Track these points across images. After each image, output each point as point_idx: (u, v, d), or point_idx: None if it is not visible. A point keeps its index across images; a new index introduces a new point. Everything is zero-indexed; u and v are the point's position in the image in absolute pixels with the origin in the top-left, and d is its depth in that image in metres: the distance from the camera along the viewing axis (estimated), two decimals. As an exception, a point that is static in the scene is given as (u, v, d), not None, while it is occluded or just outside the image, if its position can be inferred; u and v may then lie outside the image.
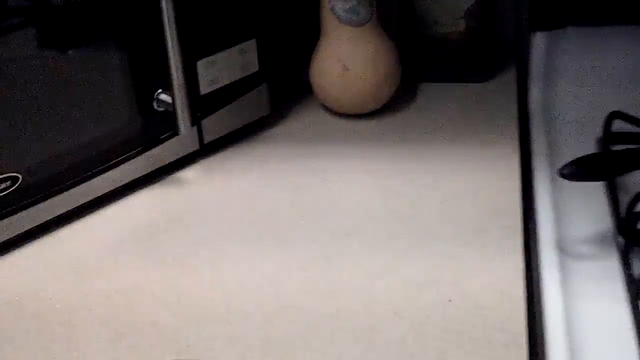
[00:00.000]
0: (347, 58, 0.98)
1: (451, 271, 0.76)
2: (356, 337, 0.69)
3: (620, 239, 0.82)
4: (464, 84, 1.07)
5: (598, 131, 0.96)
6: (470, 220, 0.83)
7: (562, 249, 0.81)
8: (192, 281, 0.76)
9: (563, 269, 0.78)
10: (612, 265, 0.79)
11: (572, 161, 0.80)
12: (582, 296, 0.75)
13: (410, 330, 0.69)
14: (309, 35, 1.03)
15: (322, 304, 0.73)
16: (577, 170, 0.79)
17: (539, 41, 1.06)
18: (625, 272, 0.77)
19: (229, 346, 0.69)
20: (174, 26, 0.81)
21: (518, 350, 0.66)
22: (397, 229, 0.82)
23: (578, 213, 0.86)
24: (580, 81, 1.04)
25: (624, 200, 0.85)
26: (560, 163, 0.82)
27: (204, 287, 0.76)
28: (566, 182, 0.85)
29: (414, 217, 0.84)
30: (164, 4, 0.81)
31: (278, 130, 1.01)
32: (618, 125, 0.96)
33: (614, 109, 0.96)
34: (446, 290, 0.74)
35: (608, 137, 0.97)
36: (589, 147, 0.95)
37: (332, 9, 0.97)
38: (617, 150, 0.91)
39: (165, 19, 0.81)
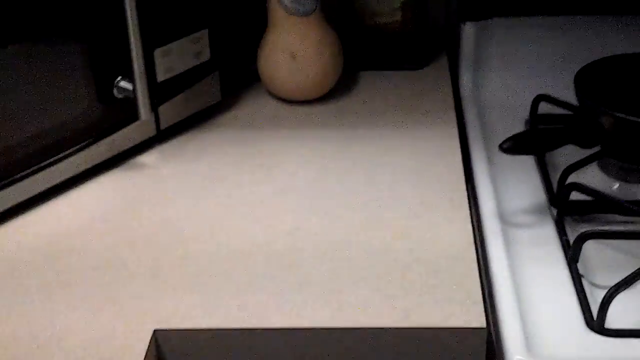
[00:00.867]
0: (294, 47, 1.02)
1: (408, 240, 0.82)
2: (326, 300, 0.74)
3: (554, 210, 0.89)
4: (401, 72, 1.13)
5: (526, 113, 1.03)
6: (420, 195, 0.89)
7: (503, 219, 0.87)
8: (163, 258, 0.80)
9: (505, 237, 0.84)
10: (548, 232, 0.86)
11: (510, 137, 0.86)
12: (524, 259, 0.82)
13: (375, 293, 0.75)
14: (256, 26, 1.07)
15: (289, 274, 0.77)
16: (515, 145, 0.86)
17: (467, 31, 1.11)
18: (560, 238, 0.84)
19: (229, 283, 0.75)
20: (135, 15, 0.84)
21: (475, 306, 0.73)
22: (352, 204, 0.88)
23: (514, 187, 0.92)
24: (507, 67, 1.11)
25: (553, 174, 0.93)
26: (494, 143, 0.89)
27: (175, 263, 0.79)
28: (501, 160, 0.93)
29: (366, 193, 0.89)
30: (126, -5, 0.84)
31: (229, 116, 1.04)
32: (543, 108, 1.03)
33: (539, 93, 1.03)
34: (405, 257, 0.79)
35: (535, 118, 1.04)
36: (518, 129, 1.01)
37: (280, 1, 1.01)
38: (547, 128, 0.99)
39: (127, 8, 0.84)
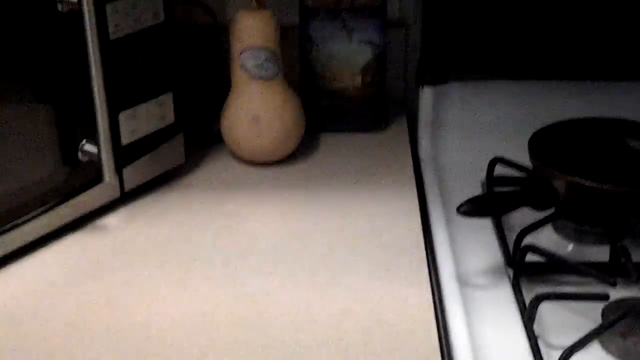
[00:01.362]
0: (256, 110, 1.04)
1: (368, 304, 0.83)
2: (288, 363, 0.75)
3: (510, 271, 0.91)
4: (362, 134, 1.15)
5: (483, 175, 1.06)
6: (380, 257, 0.90)
7: (462, 281, 0.89)
8: (126, 321, 0.80)
9: (464, 299, 0.86)
10: (505, 294, 0.88)
11: (467, 200, 0.89)
12: (483, 321, 0.84)
13: (336, 357, 0.75)
14: (220, 89, 1.09)
15: (251, 337, 0.78)
16: (472, 208, 0.88)
17: (425, 95, 1.14)
18: (517, 299, 0.86)
19: (192, 346, 0.74)
20: (100, 79, 0.86)
21: (434, 369, 0.74)
22: (313, 266, 0.89)
23: (472, 249, 0.95)
24: (465, 131, 1.14)
25: (511, 235, 0.95)
26: (452, 205, 0.91)
27: (137, 327, 0.79)
28: (459, 221, 0.95)
29: (328, 255, 0.91)
30: (92, 60, 0.85)
31: (193, 178, 1.05)
32: (500, 170, 1.06)
33: (495, 155, 1.06)
34: (365, 320, 0.81)
35: (491, 180, 1.07)
36: (475, 191, 1.04)
37: (243, 65, 1.04)
38: (502, 191, 1.02)
39: (93, 72, 0.85)
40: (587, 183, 0.92)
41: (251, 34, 1.02)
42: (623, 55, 1.09)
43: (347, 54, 1.11)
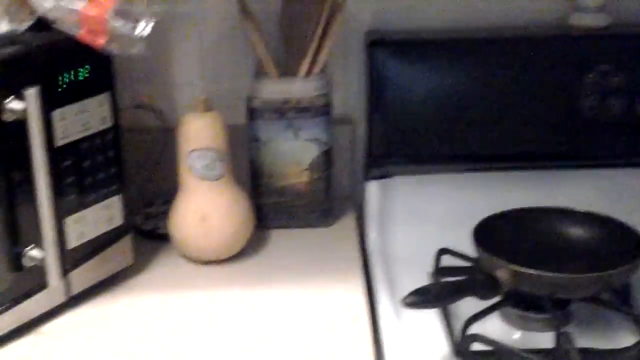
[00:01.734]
0: (204, 210, 1.06)
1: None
2: None
3: (457, 359, 0.92)
4: (311, 229, 1.17)
5: (430, 266, 1.08)
6: (329, 353, 0.91)
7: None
8: None
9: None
10: (453, 383, 0.89)
11: (412, 292, 0.90)
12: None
13: None
14: (168, 189, 1.11)
15: None
16: (416, 300, 0.90)
17: (372, 189, 1.17)
18: (465, 389, 0.87)
19: None
20: (46, 186, 0.87)
21: None
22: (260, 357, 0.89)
23: (420, 339, 0.96)
24: (412, 223, 1.16)
25: (457, 324, 0.96)
26: (400, 297, 0.92)
27: None
28: (408, 312, 0.95)
29: (278, 352, 0.91)
30: (36, 166, 0.87)
31: (141, 279, 1.06)
32: (447, 260, 1.08)
33: (441, 247, 1.08)
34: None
35: (438, 271, 1.08)
36: (423, 281, 1.04)
37: (191, 166, 1.05)
38: (446, 282, 1.03)
39: (38, 180, 0.86)
40: (530, 272, 0.95)
41: (198, 135, 1.05)
42: (558, 144, 1.14)
43: (294, 152, 1.13)
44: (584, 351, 0.93)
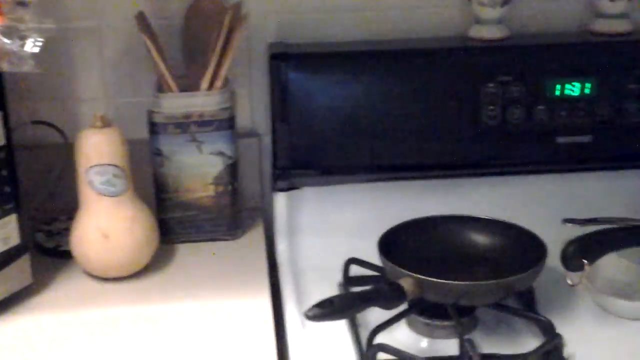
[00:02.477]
0: (106, 227, 1.04)
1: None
2: None
3: (364, 369, 0.93)
4: (218, 242, 1.16)
5: (339, 276, 1.08)
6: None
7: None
8: None
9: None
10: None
11: (315, 304, 0.90)
12: None
13: None
14: (72, 206, 1.08)
15: None
16: (320, 312, 0.90)
17: (280, 201, 1.18)
18: (370, 399, 0.88)
19: None
20: None
21: None
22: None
23: (327, 350, 0.96)
24: (320, 234, 1.17)
25: (365, 334, 0.96)
26: (308, 307, 0.92)
27: None
28: (315, 323, 0.96)
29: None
30: None
31: (43, 298, 1.03)
32: (356, 270, 1.08)
33: (350, 256, 1.09)
34: None
35: (347, 281, 1.09)
36: (332, 291, 1.05)
37: (90, 182, 1.04)
38: (352, 293, 1.03)
39: None
40: (433, 280, 0.96)
41: (97, 151, 1.03)
42: (461, 153, 1.16)
43: (199, 166, 1.13)
44: (488, 357, 0.95)
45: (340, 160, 1.16)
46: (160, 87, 1.12)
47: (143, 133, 1.13)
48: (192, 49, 1.14)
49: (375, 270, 1.07)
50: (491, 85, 1.13)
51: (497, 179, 1.17)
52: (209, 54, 1.09)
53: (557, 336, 0.94)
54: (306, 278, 1.11)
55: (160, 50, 1.09)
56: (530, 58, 1.15)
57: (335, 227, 1.17)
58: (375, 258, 1.03)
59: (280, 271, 1.13)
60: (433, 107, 1.14)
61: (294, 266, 1.14)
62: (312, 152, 1.15)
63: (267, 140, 1.22)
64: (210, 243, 1.16)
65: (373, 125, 1.14)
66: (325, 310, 0.91)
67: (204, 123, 1.10)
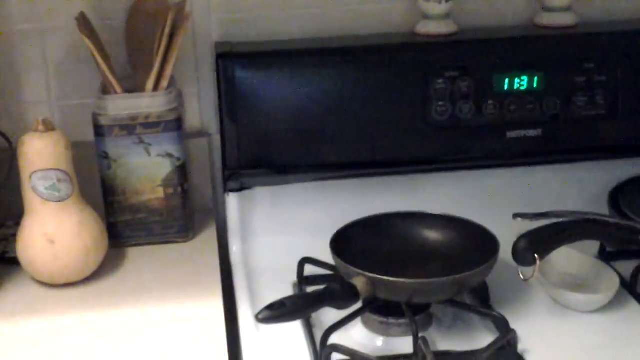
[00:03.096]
0: (52, 232, 1.02)
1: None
2: None
3: (318, 370, 0.92)
4: (170, 245, 1.15)
5: (294, 276, 1.08)
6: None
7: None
8: None
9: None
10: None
11: (266, 307, 0.89)
12: None
13: None
14: (19, 211, 1.06)
15: None
16: (271, 314, 0.88)
17: (232, 202, 1.16)
18: (324, 400, 0.87)
19: None
20: None
21: None
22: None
23: (282, 351, 0.95)
24: (273, 234, 1.16)
25: (319, 334, 0.95)
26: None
27: None
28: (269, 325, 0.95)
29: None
30: None
31: (-10, 307, 1.02)
32: (311, 269, 1.08)
33: (304, 256, 1.08)
34: None
35: (302, 280, 1.08)
36: (286, 291, 1.05)
37: (34, 188, 1.01)
38: (304, 294, 1.03)
39: None
40: (385, 278, 0.95)
41: (40, 156, 1.01)
42: (412, 149, 1.15)
43: (147, 168, 1.11)
44: (442, 354, 0.95)
45: (291, 159, 1.15)
46: (105, 89, 1.10)
47: (90, 136, 1.11)
48: (137, 49, 1.12)
49: (329, 270, 1.06)
50: (440, 81, 1.13)
51: (449, 174, 1.17)
52: (154, 54, 1.07)
53: (511, 332, 0.94)
54: (260, 279, 1.10)
55: (103, 52, 1.08)
56: (478, 53, 1.15)
57: (288, 226, 1.16)
58: (330, 257, 1.02)
59: (233, 273, 1.12)
60: (382, 104, 1.13)
61: (247, 267, 1.13)
62: (262, 151, 1.14)
63: (217, 140, 1.20)
64: (161, 246, 1.14)
65: (323, 123, 1.13)
66: (276, 312, 0.90)
67: (151, 124, 1.09)
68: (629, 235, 1.03)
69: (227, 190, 1.16)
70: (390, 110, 1.13)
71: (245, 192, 1.16)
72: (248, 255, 1.15)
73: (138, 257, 1.12)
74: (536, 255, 0.96)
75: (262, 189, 1.16)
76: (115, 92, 1.09)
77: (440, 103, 1.13)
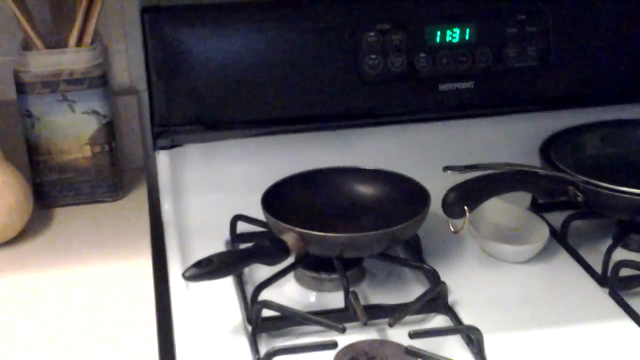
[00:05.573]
0: (-26, 194, 0.99)
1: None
2: None
3: (249, 326, 0.91)
4: (99, 204, 1.13)
5: (227, 233, 1.07)
6: (111, 329, 0.88)
7: (200, 341, 0.89)
8: None
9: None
10: (244, 350, 0.88)
11: (193, 264, 0.88)
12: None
13: None
14: None
15: None
16: (198, 272, 0.87)
17: (162, 159, 1.14)
18: (253, 356, 0.86)
19: None
20: None
21: None
22: (49, 346, 0.86)
23: (214, 308, 0.94)
24: (206, 191, 1.14)
25: (251, 291, 0.95)
26: (188, 266, 0.91)
27: None
28: (201, 283, 0.93)
29: (61, 331, 0.88)
30: None
31: None
32: (244, 227, 1.07)
33: (236, 213, 1.07)
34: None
35: (235, 237, 1.07)
36: (219, 249, 1.03)
37: (-49, 147, 0.99)
38: (232, 251, 1.03)
39: None
40: (314, 234, 0.94)
41: (-44, 115, 0.98)
42: (345, 104, 1.14)
43: (72, 126, 1.08)
44: (373, 307, 0.95)
45: (222, 115, 1.12)
46: (27, 45, 1.07)
47: (13, 94, 1.07)
48: (59, 3, 1.08)
49: (263, 227, 1.06)
50: (371, 34, 1.11)
51: (382, 129, 1.16)
52: (75, 9, 1.04)
53: (441, 283, 0.95)
54: (192, 237, 1.09)
55: (24, 7, 1.04)
56: (410, 6, 1.13)
57: (221, 183, 1.15)
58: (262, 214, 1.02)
59: (165, 231, 1.10)
60: (314, 58, 1.11)
61: (179, 226, 1.11)
62: (193, 107, 1.11)
63: (146, 97, 1.16)
64: (90, 206, 1.12)
65: (254, 78, 1.10)
66: (203, 269, 0.89)
67: (75, 81, 1.06)
68: (559, 187, 1.05)
69: (156, 147, 1.14)
70: (322, 65, 1.11)
71: (176, 150, 1.14)
72: (180, 213, 1.13)
73: (66, 217, 1.10)
74: (465, 207, 0.96)
75: (193, 146, 1.14)
76: (37, 48, 1.05)
77: (372, 56, 1.11)
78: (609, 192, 1.00)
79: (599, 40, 1.17)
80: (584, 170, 1.05)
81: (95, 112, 1.08)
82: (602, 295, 0.96)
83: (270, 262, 0.94)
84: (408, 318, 0.90)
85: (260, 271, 0.98)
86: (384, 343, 0.87)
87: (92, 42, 1.07)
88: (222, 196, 1.14)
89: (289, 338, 0.90)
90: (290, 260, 0.96)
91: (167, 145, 1.13)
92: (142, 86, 1.18)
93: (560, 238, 1.06)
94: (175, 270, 1.00)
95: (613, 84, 1.20)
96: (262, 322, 0.90)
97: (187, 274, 0.87)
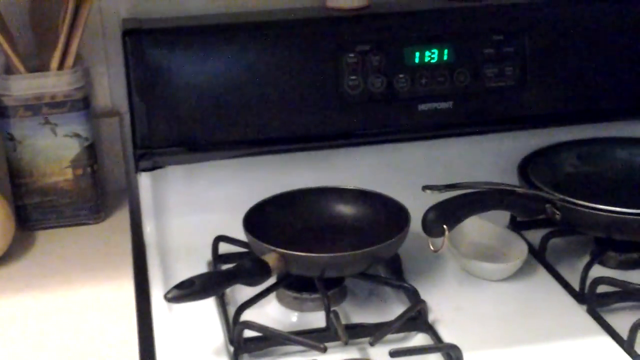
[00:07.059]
0: (-45, 217, 0.99)
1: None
2: None
3: (231, 347, 0.92)
4: (81, 227, 1.13)
5: (208, 255, 1.07)
6: (93, 352, 0.88)
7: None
8: None
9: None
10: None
11: (175, 286, 0.88)
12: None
13: None
14: None
15: None
16: (180, 293, 0.88)
17: (144, 181, 1.14)
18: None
19: None
20: None
21: None
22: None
23: (196, 330, 0.95)
24: (187, 213, 1.15)
25: (233, 312, 0.95)
26: (169, 288, 0.91)
27: None
28: (182, 304, 0.94)
29: (45, 352, 0.88)
30: None
31: None
32: (226, 248, 1.07)
33: (218, 234, 1.08)
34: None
35: (217, 258, 1.08)
36: (202, 270, 1.02)
37: None
38: (214, 272, 1.02)
39: None
40: (295, 254, 0.95)
41: (-62, 138, 0.99)
42: (326, 125, 1.15)
43: (54, 149, 1.09)
44: (354, 327, 0.95)
45: (204, 136, 1.13)
46: (9, 69, 1.07)
47: (-4, 118, 1.08)
48: (41, 27, 1.09)
49: (244, 247, 1.06)
50: (351, 55, 1.12)
51: (362, 149, 1.17)
52: (58, 32, 1.04)
53: (421, 302, 0.96)
54: (175, 259, 1.09)
55: (4, 29, 1.05)
56: (388, 26, 1.14)
57: (203, 205, 1.15)
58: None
59: (147, 253, 1.10)
60: (295, 79, 1.12)
61: (161, 247, 1.12)
62: (174, 129, 1.12)
63: (128, 119, 1.17)
64: (72, 228, 1.12)
65: (235, 100, 1.11)
66: (185, 290, 0.89)
67: (57, 104, 1.06)
68: (537, 205, 1.06)
69: (138, 169, 1.14)
70: (303, 86, 1.12)
71: (158, 171, 1.14)
72: (162, 235, 1.14)
73: (48, 240, 1.10)
74: (445, 226, 0.97)
75: (175, 168, 1.14)
76: (19, 72, 1.06)
77: (352, 77, 1.13)
78: (586, 210, 1.01)
79: (574, 60, 1.19)
80: (561, 188, 1.07)
81: (77, 135, 1.09)
82: (580, 312, 0.97)
83: (252, 283, 0.95)
84: (389, 337, 0.90)
85: (242, 292, 0.98)
86: (365, 362, 0.88)
87: (74, 64, 1.08)
88: (204, 217, 1.14)
89: (271, 358, 0.90)
90: (271, 280, 0.96)
91: (149, 167, 1.14)
92: (124, 108, 1.19)
93: (538, 255, 1.07)
94: (157, 292, 1.00)
95: (589, 102, 1.22)
96: (244, 342, 0.91)
97: (169, 296, 0.87)
